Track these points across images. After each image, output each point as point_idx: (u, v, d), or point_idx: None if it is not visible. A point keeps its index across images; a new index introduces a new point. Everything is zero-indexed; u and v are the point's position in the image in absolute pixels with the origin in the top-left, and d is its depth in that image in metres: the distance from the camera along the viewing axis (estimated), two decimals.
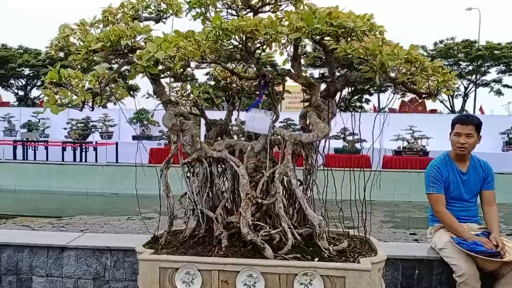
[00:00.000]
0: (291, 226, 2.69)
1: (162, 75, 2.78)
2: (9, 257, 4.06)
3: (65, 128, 16.45)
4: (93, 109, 2.95)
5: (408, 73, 2.28)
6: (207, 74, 25.56)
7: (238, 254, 2.68)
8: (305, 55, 3.41)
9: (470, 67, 28.52)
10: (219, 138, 3.32)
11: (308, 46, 3.54)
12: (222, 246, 2.73)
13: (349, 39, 2.42)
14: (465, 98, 30.21)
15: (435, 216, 3.86)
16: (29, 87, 31.42)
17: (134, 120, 16.74)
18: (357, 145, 13.70)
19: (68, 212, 10.44)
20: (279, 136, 2.90)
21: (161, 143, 15.52)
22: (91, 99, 2.79)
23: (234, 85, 3.42)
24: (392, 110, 22.38)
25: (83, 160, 15.00)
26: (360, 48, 2.25)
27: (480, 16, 31.23)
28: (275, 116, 2.97)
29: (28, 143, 15.61)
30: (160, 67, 2.74)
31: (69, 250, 4.14)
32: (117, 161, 14.92)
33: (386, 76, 2.30)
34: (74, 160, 14.89)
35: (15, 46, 29.60)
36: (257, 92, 3.25)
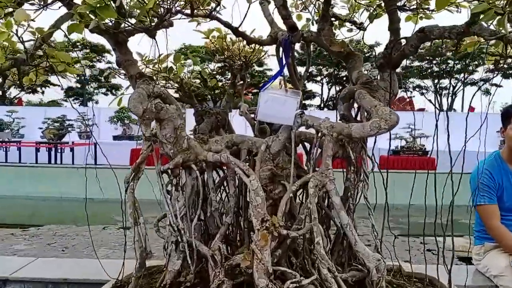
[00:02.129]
0: (336, 273, 1.66)
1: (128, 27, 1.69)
2: None
3: (40, 128, 15.22)
4: (21, 87, 1.88)
5: None
6: None
7: None
8: (334, 18, 2.37)
9: (459, 66, 28.31)
10: (215, 134, 2.29)
11: (337, 7, 2.51)
12: None
13: None
14: (453, 97, 29.91)
15: (485, 232, 3.02)
16: (6, 86, 29.86)
17: (115, 119, 15.57)
18: None
19: (38, 220, 9.27)
20: (310, 129, 1.87)
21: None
22: (13, 70, 1.71)
23: (236, 57, 2.37)
24: None
25: (59, 162, 13.79)
26: None
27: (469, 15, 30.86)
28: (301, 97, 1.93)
29: None
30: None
31: (13, 283, 3.17)
32: (95, 163, 13.77)
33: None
34: (49, 162, 13.68)
35: None
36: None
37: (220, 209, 2.05)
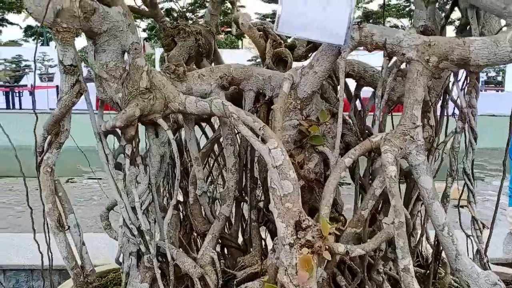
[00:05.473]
0: None
1: None
2: None
3: None
4: None
5: None
6: None
7: None
8: None
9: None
10: (194, 66, 1.42)
11: None
12: None
13: None
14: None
15: None
16: None
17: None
18: None
19: None
20: (374, 52, 1.02)
21: None
22: None
23: None
24: None
25: (17, 106, 12.69)
26: None
27: None
28: None
29: None
30: None
31: None
32: None
33: None
34: (7, 107, 12.60)
35: None
36: None
37: (212, 193, 1.22)
